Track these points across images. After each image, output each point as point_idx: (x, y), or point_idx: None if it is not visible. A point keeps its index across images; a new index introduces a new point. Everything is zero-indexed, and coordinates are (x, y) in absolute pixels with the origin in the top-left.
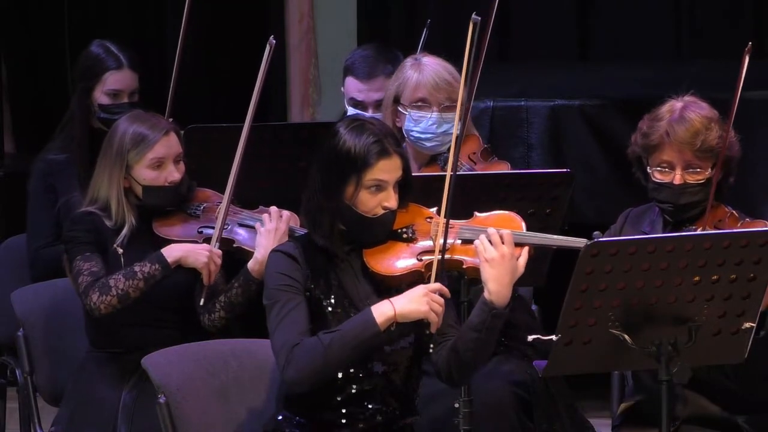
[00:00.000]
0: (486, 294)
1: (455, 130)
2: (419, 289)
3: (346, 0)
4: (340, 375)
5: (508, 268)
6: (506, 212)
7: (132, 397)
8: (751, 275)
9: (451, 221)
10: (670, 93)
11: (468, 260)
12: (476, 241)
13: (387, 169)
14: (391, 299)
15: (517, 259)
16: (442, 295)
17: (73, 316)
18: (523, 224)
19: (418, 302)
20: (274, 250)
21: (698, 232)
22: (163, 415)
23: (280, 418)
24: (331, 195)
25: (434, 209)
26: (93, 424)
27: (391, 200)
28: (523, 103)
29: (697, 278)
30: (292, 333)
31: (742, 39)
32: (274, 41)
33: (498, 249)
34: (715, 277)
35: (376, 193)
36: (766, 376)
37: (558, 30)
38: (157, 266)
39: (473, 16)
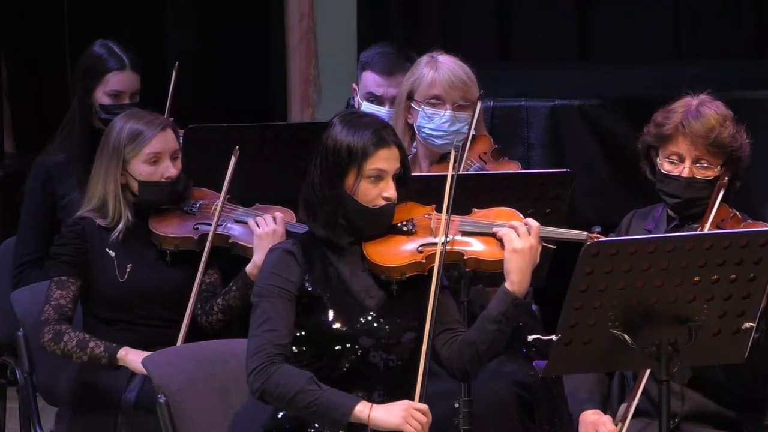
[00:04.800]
0: (508, 285)
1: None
2: (402, 404)
3: (346, 0)
4: (340, 373)
5: (532, 259)
6: (505, 207)
7: (132, 397)
8: (751, 275)
9: (452, 216)
10: (670, 93)
11: (469, 251)
12: (503, 231)
13: (386, 158)
14: (373, 405)
15: None
16: (425, 414)
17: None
18: (522, 218)
19: (394, 415)
20: (272, 248)
21: (700, 231)
22: (163, 415)
23: (280, 416)
24: (331, 186)
25: (433, 206)
26: (93, 424)
27: (390, 190)
28: (523, 103)
29: (697, 278)
30: (269, 341)
31: (742, 39)
32: (239, 151)
33: (526, 240)
34: (715, 277)
35: (377, 183)
36: (756, 376)
37: (558, 30)
38: (105, 355)
39: (454, 143)
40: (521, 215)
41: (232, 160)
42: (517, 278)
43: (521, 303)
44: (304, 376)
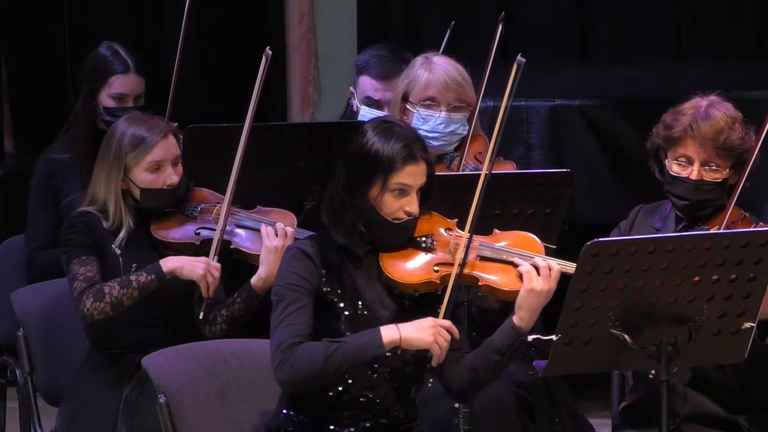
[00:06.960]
0: (516, 320)
1: (491, 149)
2: (428, 321)
3: (346, 0)
4: (345, 378)
5: (546, 300)
6: (526, 233)
7: (132, 397)
8: (751, 275)
9: (472, 236)
10: (669, 93)
11: (484, 277)
12: (524, 269)
13: (413, 174)
14: (398, 324)
15: None
16: (450, 332)
17: (73, 316)
18: (543, 247)
19: (424, 332)
20: (290, 246)
21: (708, 232)
22: (163, 415)
23: (283, 416)
24: (355, 194)
25: (455, 221)
26: (93, 424)
27: (413, 205)
28: (523, 103)
29: (697, 278)
30: (289, 334)
31: (742, 39)
32: (270, 52)
33: (546, 282)
34: (715, 277)
35: (400, 198)
36: (764, 377)
37: (558, 30)
38: (152, 277)
39: (518, 57)
40: (542, 245)
41: (263, 60)
42: (526, 315)
43: (526, 339)
44: (320, 343)
